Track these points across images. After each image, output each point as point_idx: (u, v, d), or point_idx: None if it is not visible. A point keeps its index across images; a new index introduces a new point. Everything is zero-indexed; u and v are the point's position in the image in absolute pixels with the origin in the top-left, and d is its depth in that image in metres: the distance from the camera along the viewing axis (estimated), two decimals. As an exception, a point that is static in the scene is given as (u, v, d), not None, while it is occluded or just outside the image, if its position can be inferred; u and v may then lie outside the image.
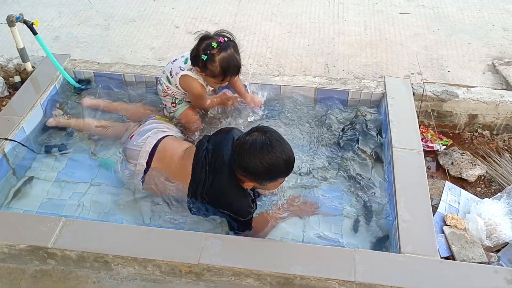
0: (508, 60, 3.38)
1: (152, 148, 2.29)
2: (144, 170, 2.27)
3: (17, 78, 3.04)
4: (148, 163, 2.27)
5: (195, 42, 2.40)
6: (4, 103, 3.02)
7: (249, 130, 1.99)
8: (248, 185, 2.03)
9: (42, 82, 2.73)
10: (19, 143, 2.44)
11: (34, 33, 2.66)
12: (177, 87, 2.54)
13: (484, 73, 3.28)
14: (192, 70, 2.48)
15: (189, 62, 2.47)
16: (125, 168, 2.35)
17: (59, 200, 2.33)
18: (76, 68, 2.89)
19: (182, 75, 2.49)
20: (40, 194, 2.35)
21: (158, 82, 2.66)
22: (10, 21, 2.64)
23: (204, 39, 2.36)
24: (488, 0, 4.05)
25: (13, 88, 3.05)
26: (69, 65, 2.91)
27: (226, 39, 2.35)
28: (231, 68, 2.36)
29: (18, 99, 2.63)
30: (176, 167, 2.23)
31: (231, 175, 2.04)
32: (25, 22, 2.62)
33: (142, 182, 2.29)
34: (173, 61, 2.58)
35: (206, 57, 2.32)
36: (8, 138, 2.36)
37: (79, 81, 2.90)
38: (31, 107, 2.56)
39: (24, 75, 3.02)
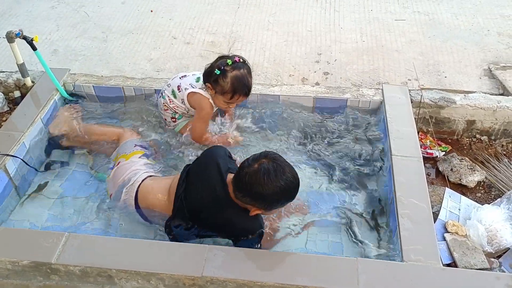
0: (504, 64, 3.40)
1: (135, 203, 2.23)
2: (139, 213, 2.26)
3: (17, 93, 3.05)
4: (139, 212, 2.24)
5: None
6: (4, 119, 3.04)
7: (254, 157, 1.93)
8: (253, 212, 1.99)
9: (42, 96, 2.74)
10: (21, 159, 2.44)
11: (34, 48, 2.67)
12: (182, 102, 2.57)
13: (480, 78, 3.30)
14: (203, 89, 2.52)
15: (201, 81, 2.53)
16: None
17: (61, 215, 2.34)
18: (76, 82, 2.90)
19: (192, 92, 2.53)
20: (42, 210, 2.36)
21: (160, 95, 2.67)
22: (10, 37, 2.65)
23: (221, 58, 2.45)
24: (483, 5, 4.09)
25: (13, 103, 3.06)
26: (68, 79, 2.92)
27: (241, 60, 2.43)
28: (241, 87, 2.40)
29: (18, 114, 2.64)
30: (165, 204, 2.18)
31: (230, 203, 1.99)
32: (24, 38, 2.64)
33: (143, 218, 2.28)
34: (182, 76, 2.61)
35: (219, 71, 2.38)
36: (10, 154, 2.36)
37: (72, 95, 2.91)
38: (31, 122, 2.57)
39: (24, 90, 3.04)
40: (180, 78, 2.62)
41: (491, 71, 3.34)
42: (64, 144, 2.69)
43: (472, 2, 4.14)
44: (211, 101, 2.53)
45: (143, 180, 2.27)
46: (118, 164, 2.40)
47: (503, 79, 3.22)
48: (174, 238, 2.15)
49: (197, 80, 2.56)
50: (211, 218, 2.05)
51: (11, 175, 2.40)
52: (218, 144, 2.50)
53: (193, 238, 2.14)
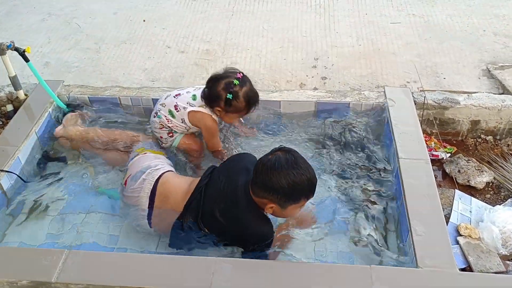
0: (502, 64, 3.39)
1: (152, 190, 2.21)
2: (148, 215, 2.20)
3: (9, 107, 2.97)
4: (150, 206, 2.20)
5: (206, 85, 2.44)
6: (-3, 133, 2.95)
7: (270, 151, 1.98)
8: (269, 209, 1.97)
9: (35, 110, 2.66)
10: (16, 175, 2.36)
11: (26, 60, 2.60)
12: (183, 121, 2.51)
13: (479, 78, 3.28)
14: (204, 107, 2.48)
15: (198, 99, 2.48)
16: (129, 212, 2.28)
17: (60, 231, 2.25)
18: (71, 93, 2.83)
19: (192, 111, 2.48)
20: (40, 226, 2.27)
21: (154, 115, 2.59)
22: (1, 49, 2.57)
23: (219, 79, 2.39)
24: (477, 6, 4.09)
25: (6, 117, 2.98)
26: (62, 90, 2.85)
27: (241, 74, 2.40)
28: (255, 100, 2.43)
29: (12, 129, 2.55)
30: (181, 196, 2.17)
31: (249, 201, 2.00)
32: (16, 49, 2.56)
33: (150, 225, 2.21)
34: (176, 95, 2.54)
35: (231, 95, 2.35)
36: (4, 169, 2.28)
37: (68, 105, 2.84)
38: (26, 136, 2.49)
39: (17, 103, 2.95)
40: (174, 97, 2.54)
41: (489, 71, 3.32)
42: (67, 146, 2.66)
43: (466, 3, 4.14)
44: (214, 117, 2.51)
45: (167, 171, 2.31)
46: (144, 153, 2.42)
47: (502, 79, 3.20)
48: (175, 240, 2.11)
49: (194, 98, 2.51)
50: (226, 213, 2.02)
51: (5, 191, 2.32)
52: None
53: (194, 242, 2.09)
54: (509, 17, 3.91)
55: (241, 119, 2.74)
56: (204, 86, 2.47)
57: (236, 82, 2.35)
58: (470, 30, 3.79)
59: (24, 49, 2.55)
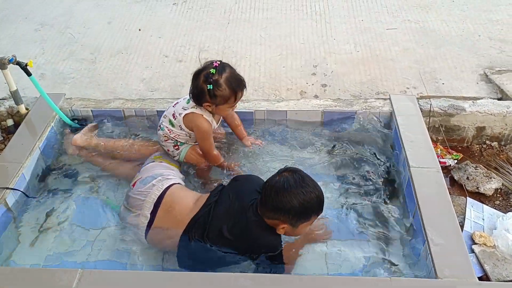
0: (499, 68, 3.43)
1: (158, 197, 2.19)
2: (148, 222, 2.16)
3: (9, 122, 2.90)
4: (153, 214, 2.16)
5: (190, 85, 2.38)
6: (-2, 149, 2.89)
7: (276, 172, 2.00)
8: (281, 230, 1.99)
9: (38, 124, 2.59)
10: (22, 192, 2.30)
11: (28, 74, 2.54)
12: (181, 128, 2.48)
13: (477, 83, 3.31)
14: (195, 108, 2.43)
15: (191, 102, 2.44)
16: (127, 217, 2.24)
17: (71, 249, 2.19)
18: (73, 107, 2.77)
19: (186, 114, 2.44)
20: (50, 244, 2.21)
21: (159, 128, 2.57)
22: (2, 64, 2.51)
23: (198, 74, 2.33)
24: (470, 11, 4.14)
25: (6, 132, 2.91)
26: (64, 104, 2.79)
27: (218, 62, 2.33)
28: (238, 84, 2.34)
29: (15, 144, 2.48)
30: (186, 211, 2.15)
31: (258, 219, 2.01)
32: (18, 63, 2.49)
33: (145, 235, 2.17)
34: (175, 104, 2.53)
35: (211, 85, 2.28)
36: (9, 187, 2.22)
37: (73, 120, 2.78)
38: (29, 152, 2.43)
39: (17, 118, 2.89)
40: (173, 106, 2.53)
41: (487, 76, 3.36)
42: (77, 155, 2.64)
43: (460, 8, 4.18)
44: (206, 117, 2.44)
45: (177, 183, 2.30)
46: (160, 162, 2.42)
47: (500, 83, 3.23)
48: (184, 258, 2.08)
49: (188, 101, 2.48)
50: (234, 230, 2.02)
51: (11, 209, 2.25)
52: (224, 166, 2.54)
53: (203, 258, 2.06)
54: (503, 22, 3.97)
55: (248, 141, 2.71)
56: None
57: (213, 71, 2.28)
58: (466, 35, 3.82)
59: (26, 63, 2.49)
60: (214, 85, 2.28)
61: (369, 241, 2.21)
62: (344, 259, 2.13)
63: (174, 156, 2.58)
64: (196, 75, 2.34)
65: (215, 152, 2.55)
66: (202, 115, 2.43)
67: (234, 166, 2.59)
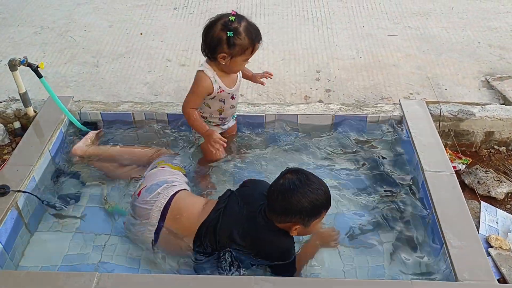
0: (500, 75, 3.48)
1: (164, 206, 2.14)
2: (156, 230, 2.12)
3: (17, 124, 2.84)
4: (161, 222, 2.12)
5: (202, 38, 2.26)
6: (5, 151, 2.83)
7: (279, 175, 1.97)
8: (294, 231, 1.96)
9: (47, 127, 2.53)
10: (35, 195, 2.25)
11: (39, 76, 2.49)
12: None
13: (479, 89, 3.35)
14: (207, 68, 2.33)
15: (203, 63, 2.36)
16: (134, 226, 2.19)
17: (81, 252, 2.15)
18: (82, 110, 2.73)
19: (197, 71, 2.36)
20: (61, 248, 2.16)
21: None
22: (13, 65, 2.46)
23: (214, 23, 2.21)
24: (469, 19, 4.20)
25: (13, 134, 2.86)
26: (73, 106, 2.74)
27: (235, 11, 2.23)
28: (257, 34, 2.25)
29: (24, 147, 2.43)
30: (196, 216, 2.11)
31: (269, 223, 1.98)
32: (29, 65, 2.44)
33: (153, 243, 2.13)
34: None
35: (231, 32, 2.16)
36: (21, 190, 2.17)
37: (84, 124, 2.74)
38: (39, 154, 2.37)
39: (25, 120, 2.84)
40: None
41: (488, 82, 3.40)
42: (81, 162, 2.59)
43: (459, 16, 4.24)
44: (210, 82, 2.33)
45: (183, 190, 2.25)
46: (163, 167, 2.36)
47: (502, 90, 3.28)
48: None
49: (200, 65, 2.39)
50: (247, 235, 2.00)
51: (22, 212, 2.20)
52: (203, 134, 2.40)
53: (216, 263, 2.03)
54: (501, 29, 4.03)
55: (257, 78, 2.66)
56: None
57: (232, 18, 2.17)
58: (466, 42, 3.88)
59: (38, 65, 2.44)
60: (235, 32, 2.16)
61: (385, 244, 2.20)
62: (361, 263, 2.12)
63: (196, 138, 2.56)
64: (211, 25, 2.22)
65: (190, 110, 2.39)
66: (209, 77, 2.33)
67: (220, 141, 2.36)
